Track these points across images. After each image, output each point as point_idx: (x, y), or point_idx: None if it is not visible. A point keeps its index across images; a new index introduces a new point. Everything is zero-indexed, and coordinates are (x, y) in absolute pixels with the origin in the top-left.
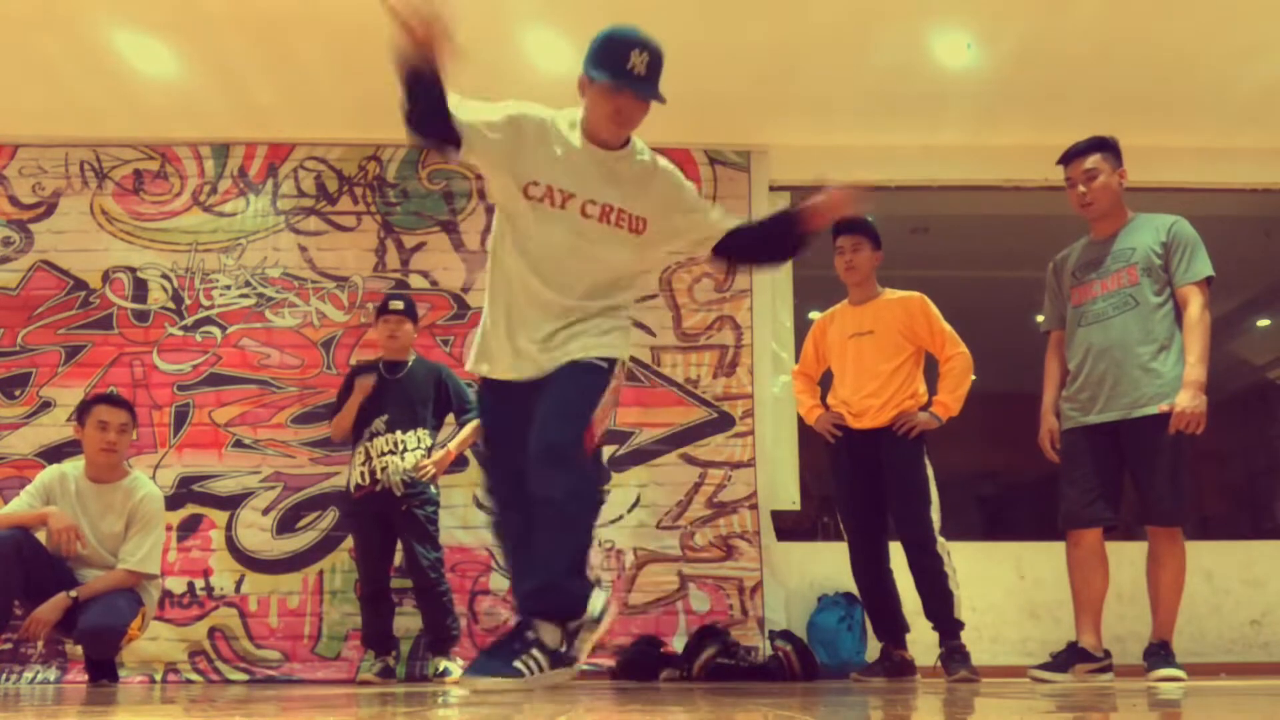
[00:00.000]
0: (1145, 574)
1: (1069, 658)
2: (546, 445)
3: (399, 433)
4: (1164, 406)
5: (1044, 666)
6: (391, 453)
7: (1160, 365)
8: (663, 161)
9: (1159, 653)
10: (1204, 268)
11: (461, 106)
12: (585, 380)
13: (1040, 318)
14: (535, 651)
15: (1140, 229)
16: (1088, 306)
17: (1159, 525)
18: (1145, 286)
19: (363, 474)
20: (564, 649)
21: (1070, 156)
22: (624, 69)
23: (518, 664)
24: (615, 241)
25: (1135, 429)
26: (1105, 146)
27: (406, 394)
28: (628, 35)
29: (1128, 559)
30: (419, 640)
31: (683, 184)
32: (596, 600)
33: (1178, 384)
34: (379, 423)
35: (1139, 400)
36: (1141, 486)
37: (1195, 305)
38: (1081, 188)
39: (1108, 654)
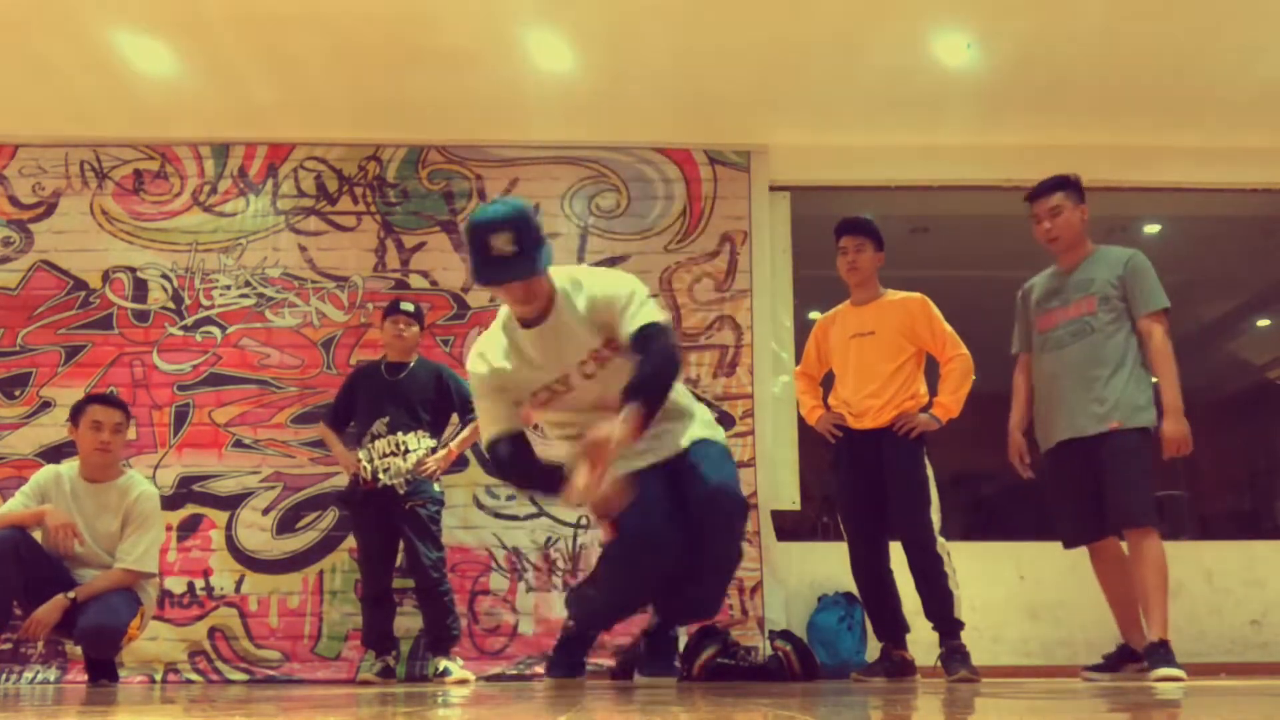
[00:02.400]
0: (1132, 579)
1: (1120, 658)
2: (732, 493)
3: (400, 434)
4: (1114, 424)
5: (1095, 668)
6: (393, 454)
7: (1111, 387)
8: (587, 284)
9: (1158, 652)
10: (1160, 299)
11: (499, 417)
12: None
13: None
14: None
15: (1099, 262)
16: (1050, 333)
17: (1127, 529)
18: (1101, 315)
19: (367, 470)
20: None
21: (1035, 195)
22: (491, 259)
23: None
24: (618, 370)
25: (1094, 446)
26: (1067, 185)
27: (407, 395)
28: (480, 222)
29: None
30: (419, 640)
31: (613, 296)
32: None
33: (1127, 403)
34: (380, 424)
35: (1086, 421)
36: (1107, 497)
37: (1158, 335)
38: (1046, 224)
39: None
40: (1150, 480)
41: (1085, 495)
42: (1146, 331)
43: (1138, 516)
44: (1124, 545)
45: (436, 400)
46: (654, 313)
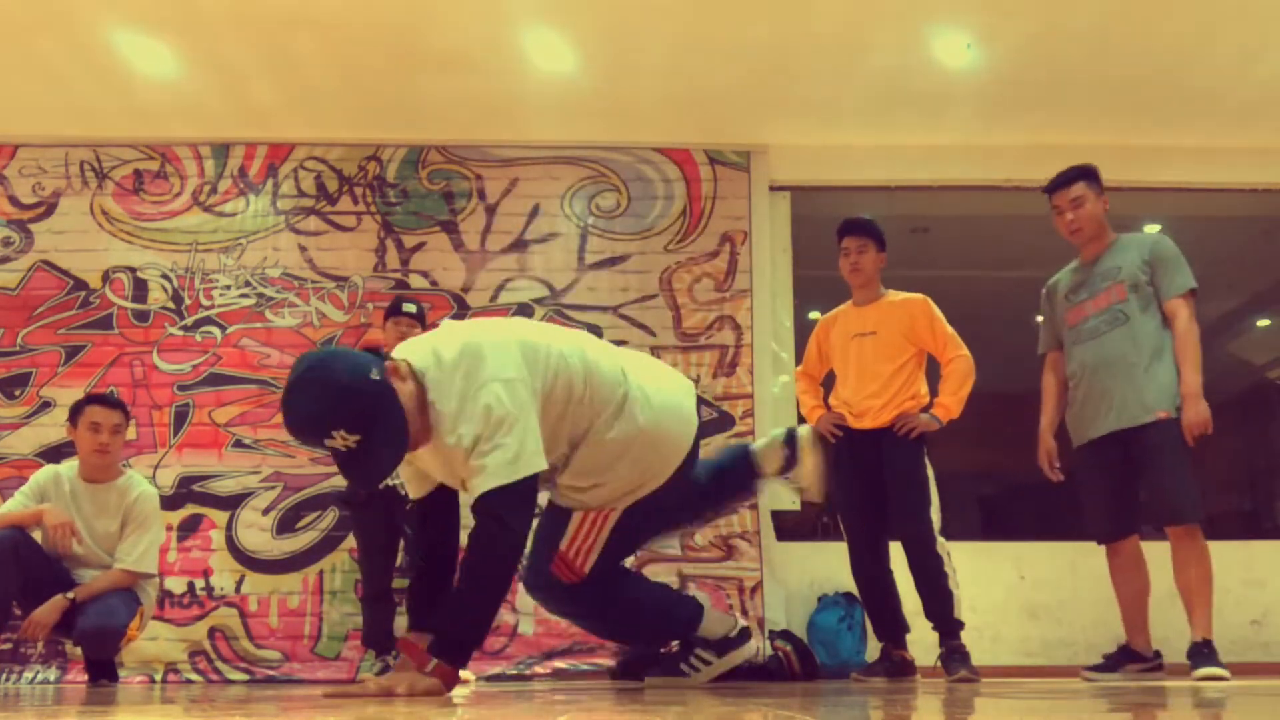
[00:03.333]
0: (1174, 577)
1: (1121, 658)
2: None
3: None
4: (1161, 414)
5: (1095, 668)
6: None
7: (1153, 375)
8: (448, 407)
9: (1202, 651)
10: (1187, 280)
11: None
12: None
13: (1041, 317)
14: None
15: (1124, 248)
16: (1082, 325)
17: (1173, 525)
18: (1133, 302)
19: None
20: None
21: (1055, 186)
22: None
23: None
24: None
25: (1137, 437)
26: (1087, 175)
27: None
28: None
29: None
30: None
31: (460, 441)
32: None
33: (1170, 390)
34: None
35: (1137, 410)
36: (1151, 491)
37: (1183, 317)
38: (1069, 215)
39: (1158, 654)
40: (1194, 473)
41: (1122, 488)
42: (1172, 313)
43: (1186, 513)
44: (1141, 545)
45: None
46: (494, 470)
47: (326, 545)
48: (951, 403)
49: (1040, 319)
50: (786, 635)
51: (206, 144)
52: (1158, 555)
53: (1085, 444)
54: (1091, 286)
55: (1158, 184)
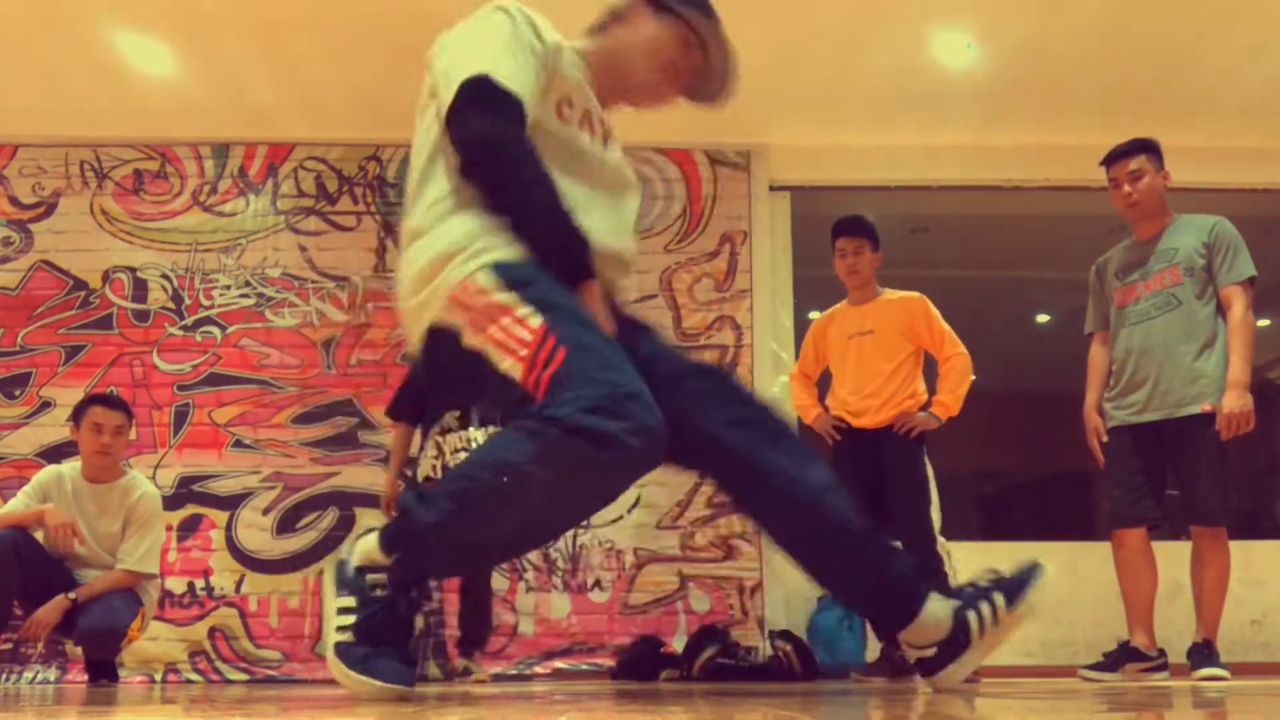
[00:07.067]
0: (1189, 574)
1: (1120, 657)
2: None
3: (472, 429)
4: (1206, 406)
5: (1094, 666)
6: (465, 450)
7: (1203, 365)
8: None
9: (1202, 652)
10: (1247, 268)
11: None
12: None
13: (1045, 317)
14: None
15: (1183, 229)
16: (1131, 307)
17: (1202, 525)
18: (1187, 286)
19: (434, 467)
20: None
21: (1115, 157)
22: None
23: None
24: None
25: (1178, 428)
26: (1149, 148)
27: None
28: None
29: (1171, 558)
30: (420, 641)
31: None
32: None
33: (1220, 383)
34: (450, 418)
35: (1182, 400)
36: (1185, 486)
37: (1239, 306)
38: (1127, 188)
39: (1161, 653)
40: (1232, 474)
41: (1152, 475)
42: (1228, 300)
43: (1217, 515)
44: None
45: None
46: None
47: (326, 545)
48: (950, 400)
49: (1090, 298)
50: (786, 635)
51: (206, 144)
52: (1159, 555)
53: (1122, 427)
54: (1145, 267)
55: None
